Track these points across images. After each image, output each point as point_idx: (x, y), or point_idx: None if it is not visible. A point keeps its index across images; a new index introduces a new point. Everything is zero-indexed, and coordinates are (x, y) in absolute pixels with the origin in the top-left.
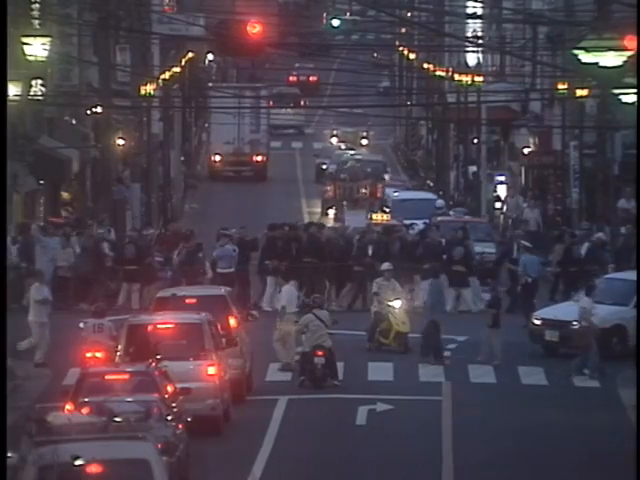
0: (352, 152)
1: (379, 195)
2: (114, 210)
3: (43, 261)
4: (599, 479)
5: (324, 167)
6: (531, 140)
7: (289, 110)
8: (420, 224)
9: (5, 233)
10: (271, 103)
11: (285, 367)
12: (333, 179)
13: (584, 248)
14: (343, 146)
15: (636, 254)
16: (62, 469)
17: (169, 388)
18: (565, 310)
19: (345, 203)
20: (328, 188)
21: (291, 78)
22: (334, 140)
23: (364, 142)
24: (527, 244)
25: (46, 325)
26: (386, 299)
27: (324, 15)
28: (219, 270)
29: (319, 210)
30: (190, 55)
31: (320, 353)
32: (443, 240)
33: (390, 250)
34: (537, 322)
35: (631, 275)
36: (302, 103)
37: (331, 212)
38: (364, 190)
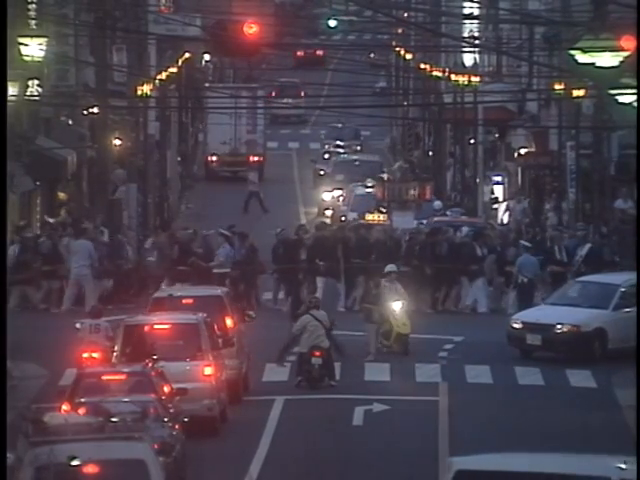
0: (346, 155)
1: (428, 197)
2: (110, 211)
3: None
4: None
5: (322, 173)
6: (528, 140)
7: (290, 101)
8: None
9: (5, 233)
10: (273, 94)
11: None
12: (381, 180)
13: (585, 249)
14: (340, 150)
15: (636, 254)
16: (58, 469)
17: (166, 388)
18: (546, 313)
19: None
20: (376, 189)
21: (298, 53)
22: (327, 155)
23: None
24: (527, 244)
25: None
26: (388, 300)
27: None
28: (215, 270)
29: (316, 210)
30: (187, 55)
31: (317, 354)
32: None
33: (437, 252)
34: (517, 325)
35: (604, 278)
36: (302, 94)
37: (328, 212)
38: (413, 192)
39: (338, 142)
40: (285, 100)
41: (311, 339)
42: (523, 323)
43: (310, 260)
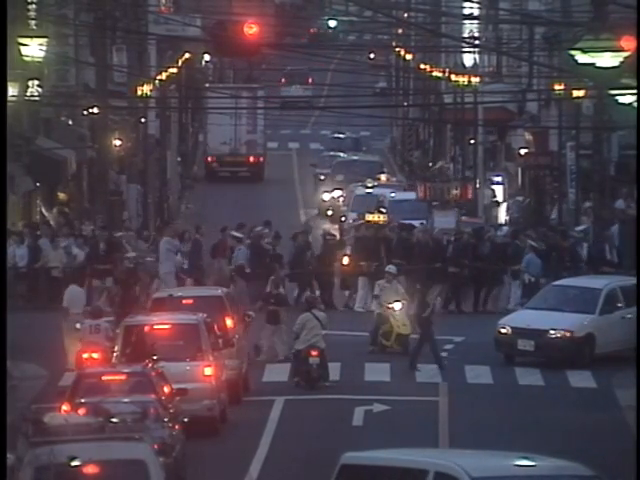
0: (345, 154)
1: (469, 196)
2: (110, 211)
3: (167, 262)
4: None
5: (322, 177)
6: (528, 141)
7: (299, 86)
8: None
9: (5, 233)
10: (282, 81)
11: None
12: (423, 179)
13: (584, 248)
14: (342, 155)
15: (636, 254)
16: (59, 470)
17: (166, 389)
18: (534, 318)
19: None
20: (417, 189)
21: (311, 30)
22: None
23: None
24: (534, 244)
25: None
26: (387, 301)
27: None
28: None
29: (316, 211)
30: (187, 56)
31: (315, 353)
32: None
33: (479, 252)
34: (505, 331)
35: (583, 282)
36: (310, 81)
37: (329, 213)
38: (455, 191)
39: (340, 154)
40: (294, 86)
41: (308, 337)
42: (512, 328)
43: (352, 261)
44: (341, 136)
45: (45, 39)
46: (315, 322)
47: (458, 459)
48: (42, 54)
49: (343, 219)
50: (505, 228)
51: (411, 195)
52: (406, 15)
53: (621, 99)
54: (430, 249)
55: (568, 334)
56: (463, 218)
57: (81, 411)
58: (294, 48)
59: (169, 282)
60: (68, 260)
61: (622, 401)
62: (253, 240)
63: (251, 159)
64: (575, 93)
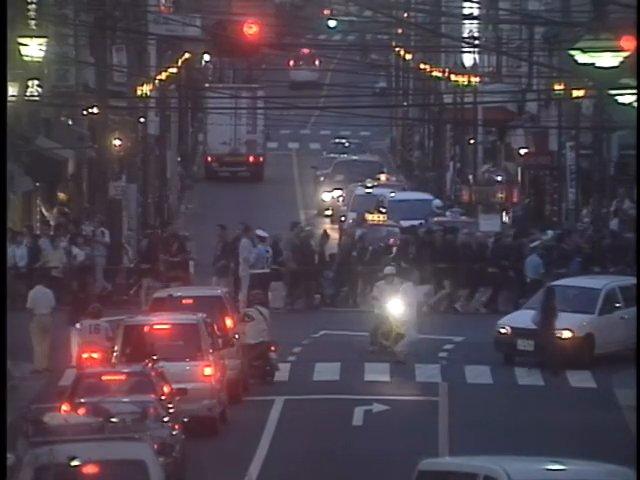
0: (346, 155)
1: (514, 200)
2: (110, 211)
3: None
4: None
5: (322, 179)
6: (527, 141)
7: (306, 70)
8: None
9: (5, 233)
10: (292, 63)
11: (36, 371)
12: (468, 183)
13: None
14: (342, 157)
15: (636, 254)
16: (58, 470)
17: (165, 389)
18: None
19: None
20: (463, 192)
21: (325, 11)
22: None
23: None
24: (535, 244)
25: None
26: (387, 302)
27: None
28: (252, 271)
29: (316, 212)
30: (187, 56)
31: (274, 349)
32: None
33: (522, 253)
34: (504, 331)
35: (582, 282)
36: (317, 62)
37: (328, 213)
38: (500, 194)
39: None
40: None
41: (257, 331)
42: (512, 328)
43: (397, 262)
44: (343, 141)
45: (45, 39)
46: (261, 317)
47: (505, 464)
48: (42, 54)
49: (343, 219)
50: (550, 232)
51: (411, 195)
52: (406, 15)
53: (621, 99)
54: (472, 251)
55: (570, 334)
56: (462, 218)
57: (81, 411)
58: (295, 48)
59: (246, 282)
60: (68, 260)
61: (622, 401)
62: (303, 240)
63: (251, 159)
64: (575, 93)
